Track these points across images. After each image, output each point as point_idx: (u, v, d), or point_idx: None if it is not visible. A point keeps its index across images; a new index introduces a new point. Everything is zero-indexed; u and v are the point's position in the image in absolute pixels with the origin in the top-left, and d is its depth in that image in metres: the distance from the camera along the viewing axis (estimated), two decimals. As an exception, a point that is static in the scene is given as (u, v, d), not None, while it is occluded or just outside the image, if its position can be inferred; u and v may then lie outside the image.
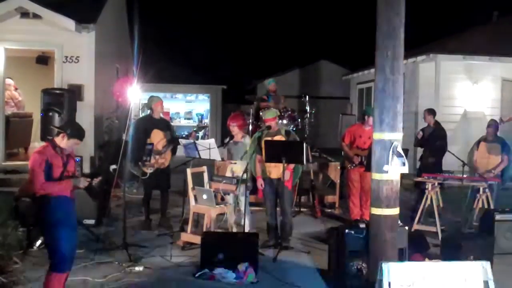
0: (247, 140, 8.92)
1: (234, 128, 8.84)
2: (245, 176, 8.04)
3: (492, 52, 15.34)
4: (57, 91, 11.31)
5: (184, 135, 9.66)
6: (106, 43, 14.32)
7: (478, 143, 10.00)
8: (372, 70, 17.85)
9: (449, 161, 12.45)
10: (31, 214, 5.85)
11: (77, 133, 5.84)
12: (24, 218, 7.83)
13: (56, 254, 5.56)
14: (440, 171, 9.94)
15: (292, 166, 8.37)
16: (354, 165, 9.48)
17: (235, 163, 8.78)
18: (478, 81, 15.92)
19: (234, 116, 9.08)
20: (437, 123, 10.81)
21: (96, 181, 6.07)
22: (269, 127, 8.51)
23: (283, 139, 8.39)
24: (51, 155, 5.58)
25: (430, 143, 10.62)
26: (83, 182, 5.81)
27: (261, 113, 11.58)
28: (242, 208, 8.39)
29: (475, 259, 5.79)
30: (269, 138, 8.34)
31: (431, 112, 10.94)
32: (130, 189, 11.47)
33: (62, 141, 5.70)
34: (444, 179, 9.39)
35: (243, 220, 8.19)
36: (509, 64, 15.66)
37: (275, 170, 8.26)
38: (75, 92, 11.83)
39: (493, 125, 9.96)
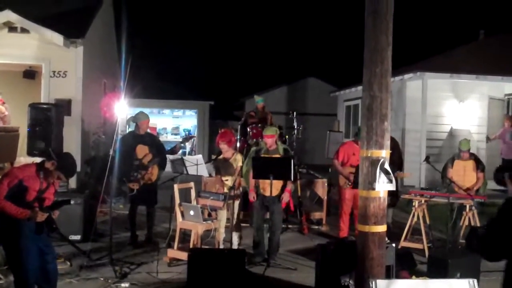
0: (238, 156, 8.88)
1: (224, 146, 8.78)
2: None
3: (478, 71, 15.48)
4: (44, 106, 11.25)
5: (168, 149, 9.62)
6: (93, 58, 14.31)
7: (452, 160, 9.95)
8: (359, 88, 17.93)
9: (429, 178, 12.54)
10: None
11: (66, 168, 5.75)
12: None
13: (16, 278, 5.50)
14: None
15: (290, 187, 8.37)
16: (350, 183, 9.39)
17: (226, 180, 8.73)
18: (464, 99, 16.05)
19: (223, 133, 9.04)
20: None
21: (55, 215, 5.80)
22: (257, 143, 8.49)
23: None
24: (29, 177, 5.49)
25: None
26: (40, 217, 5.57)
27: (248, 129, 11.63)
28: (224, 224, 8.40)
29: (462, 276, 5.80)
30: (266, 155, 8.36)
31: None
32: (117, 204, 11.40)
33: (50, 166, 5.65)
34: (430, 197, 9.41)
35: (231, 237, 8.16)
36: (495, 83, 15.80)
37: (268, 187, 8.21)
38: (62, 107, 11.79)
39: (465, 150, 9.89)
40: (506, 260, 3.24)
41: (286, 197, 8.29)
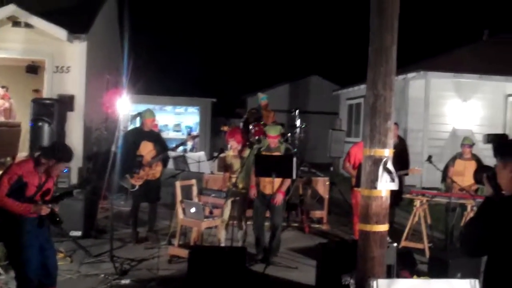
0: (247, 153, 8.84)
1: (233, 143, 8.75)
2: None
3: (482, 70, 15.45)
4: (47, 101, 11.26)
5: (173, 147, 9.60)
6: (97, 53, 14.30)
7: (453, 159, 9.93)
8: (362, 86, 17.96)
9: (431, 178, 12.50)
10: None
11: (64, 158, 5.72)
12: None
13: (17, 274, 5.49)
14: None
15: (284, 188, 8.35)
16: None
17: (236, 177, 8.67)
18: (467, 99, 16.03)
19: (232, 131, 9.05)
20: None
21: (56, 208, 5.75)
22: (259, 140, 8.47)
23: None
24: (28, 173, 5.48)
25: None
26: (45, 210, 5.58)
27: (250, 127, 11.61)
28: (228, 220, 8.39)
29: (463, 276, 5.78)
30: (267, 153, 8.33)
31: None
32: (118, 201, 11.40)
33: (55, 165, 5.62)
34: (432, 196, 9.39)
35: (232, 234, 8.14)
36: (499, 83, 15.80)
37: (270, 185, 8.21)
38: (65, 102, 11.78)
39: (467, 143, 9.86)
40: (486, 256, 3.25)
41: (278, 198, 8.25)
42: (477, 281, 4.80)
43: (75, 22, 13.00)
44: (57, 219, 5.71)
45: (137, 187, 8.99)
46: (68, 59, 12.84)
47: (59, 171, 5.80)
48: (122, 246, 8.88)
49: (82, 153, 12.69)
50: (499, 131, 15.83)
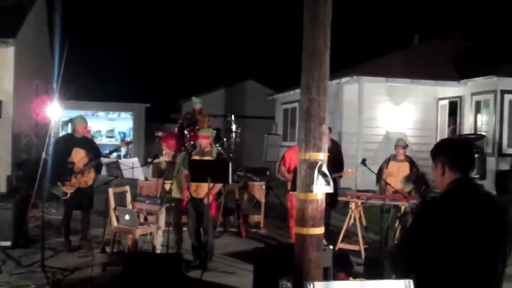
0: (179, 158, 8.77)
1: (167, 149, 8.68)
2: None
3: (413, 75, 15.83)
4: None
5: (106, 153, 9.41)
6: (26, 58, 13.92)
7: (387, 161, 10.11)
8: (297, 91, 18.07)
9: (366, 181, 12.71)
10: None
11: None
12: None
13: None
14: None
15: (215, 190, 8.28)
16: None
17: (171, 183, 8.55)
18: (400, 102, 16.39)
19: (166, 136, 8.99)
20: None
21: None
22: (194, 145, 8.42)
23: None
24: None
25: None
26: None
27: (185, 131, 11.52)
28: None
29: (398, 277, 5.86)
30: (198, 157, 8.24)
31: None
32: (49, 209, 11.09)
33: None
34: (367, 199, 9.52)
35: (167, 241, 8.03)
36: (429, 87, 16.23)
37: (199, 189, 8.15)
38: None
39: (401, 144, 10.06)
40: (414, 272, 3.28)
41: (207, 198, 8.16)
42: (411, 281, 4.86)
43: (2, 27, 12.62)
44: None
45: (68, 195, 8.77)
46: (-5, 64, 12.45)
47: None
48: (54, 255, 8.63)
49: (11, 160, 12.30)
50: (431, 133, 16.29)
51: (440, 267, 3.07)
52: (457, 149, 3.27)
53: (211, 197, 8.18)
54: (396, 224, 9.47)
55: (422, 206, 3.51)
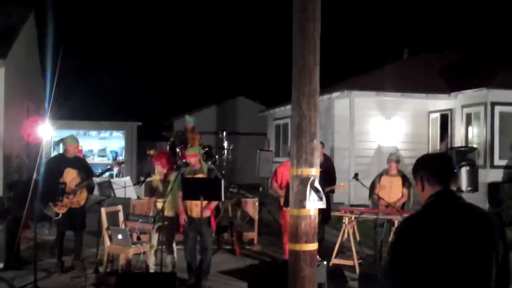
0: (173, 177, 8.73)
1: (159, 167, 8.66)
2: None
3: (403, 89, 15.90)
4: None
5: (98, 173, 9.38)
6: (16, 79, 13.90)
7: (379, 176, 10.09)
8: (289, 107, 18.12)
9: (359, 195, 12.70)
10: None
11: None
12: None
13: None
14: None
15: (213, 206, 8.25)
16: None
17: (164, 201, 8.51)
18: (391, 116, 16.44)
19: (157, 154, 8.95)
20: None
21: None
22: (186, 164, 8.40)
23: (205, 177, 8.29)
24: None
25: None
26: None
27: (177, 149, 11.51)
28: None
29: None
30: (190, 176, 8.23)
31: None
32: (42, 230, 11.02)
33: None
34: (360, 213, 9.50)
35: (161, 260, 7.99)
36: (420, 100, 16.30)
37: (196, 208, 8.10)
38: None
39: (394, 159, 10.05)
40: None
41: (206, 212, 8.13)
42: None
43: (-8, 47, 12.62)
44: None
45: (60, 215, 8.72)
46: (-15, 85, 12.43)
47: None
48: (47, 276, 8.57)
49: (2, 181, 12.24)
50: (423, 146, 16.33)
51: (428, 285, 3.00)
52: (434, 163, 3.26)
53: (209, 212, 8.16)
54: (390, 238, 9.46)
55: (399, 224, 3.46)
